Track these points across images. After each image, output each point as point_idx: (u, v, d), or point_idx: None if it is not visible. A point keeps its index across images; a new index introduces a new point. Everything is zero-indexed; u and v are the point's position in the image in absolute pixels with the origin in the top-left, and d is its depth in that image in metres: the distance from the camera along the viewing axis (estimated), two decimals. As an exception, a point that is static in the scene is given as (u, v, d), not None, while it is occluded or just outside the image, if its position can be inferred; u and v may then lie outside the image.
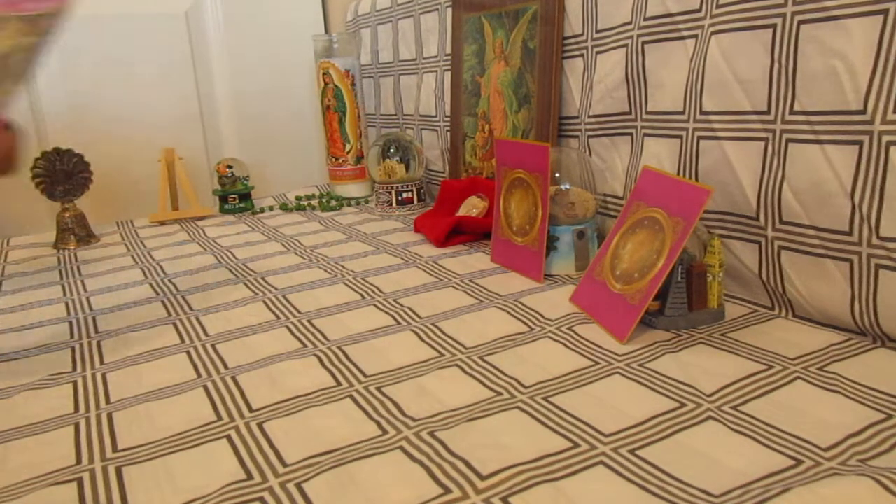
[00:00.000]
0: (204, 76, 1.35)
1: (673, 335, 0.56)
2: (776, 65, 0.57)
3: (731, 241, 0.63)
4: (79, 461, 0.41)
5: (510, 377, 0.49)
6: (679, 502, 0.34)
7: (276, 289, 0.73)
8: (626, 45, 0.74)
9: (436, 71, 1.16)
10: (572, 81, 0.86)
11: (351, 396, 0.48)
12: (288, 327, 0.62)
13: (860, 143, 0.51)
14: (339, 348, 0.56)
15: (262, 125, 1.41)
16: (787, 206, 0.57)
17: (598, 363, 0.51)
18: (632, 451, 0.39)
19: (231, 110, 1.38)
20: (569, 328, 0.58)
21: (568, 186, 0.75)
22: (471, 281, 0.73)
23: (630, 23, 0.74)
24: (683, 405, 0.44)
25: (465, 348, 0.55)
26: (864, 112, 0.51)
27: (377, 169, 1.12)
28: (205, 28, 1.34)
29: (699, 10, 0.65)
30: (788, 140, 0.57)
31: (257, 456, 0.41)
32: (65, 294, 0.78)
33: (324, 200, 1.23)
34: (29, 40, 0.48)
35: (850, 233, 0.52)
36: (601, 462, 0.38)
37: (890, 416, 0.41)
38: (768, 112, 0.58)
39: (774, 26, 0.57)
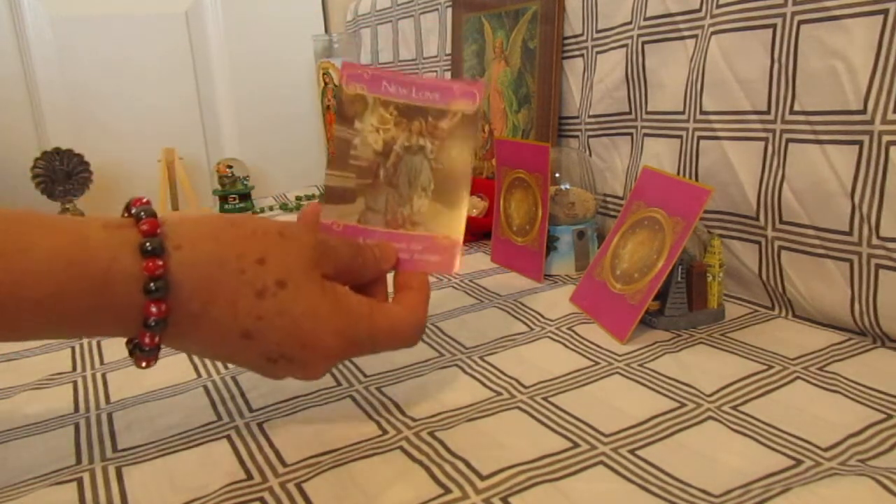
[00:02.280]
0: (204, 76, 1.35)
1: (673, 335, 0.56)
2: (776, 65, 0.57)
3: (731, 241, 0.63)
4: (79, 461, 0.41)
5: (510, 377, 0.49)
6: (679, 502, 0.34)
7: (276, 289, 0.73)
8: (626, 45, 0.74)
9: (436, 71, 1.16)
10: (572, 81, 0.86)
11: (351, 396, 0.48)
12: (288, 327, 0.62)
13: (860, 143, 0.51)
14: (339, 348, 0.56)
15: (262, 125, 1.41)
16: (787, 206, 0.57)
17: (598, 363, 0.51)
18: (632, 451, 0.39)
19: (231, 110, 1.38)
20: (569, 328, 0.58)
21: (568, 186, 0.75)
22: (471, 281, 0.73)
23: (630, 23, 0.74)
24: (683, 405, 0.44)
25: (465, 348, 0.55)
26: (864, 112, 0.51)
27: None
28: (205, 28, 1.34)
29: (699, 10, 0.65)
30: (788, 140, 0.57)
31: (257, 456, 0.41)
32: (65, 294, 0.78)
33: (324, 200, 1.23)
34: (420, 141, 0.46)
35: (850, 233, 0.52)
36: (601, 462, 0.38)
37: (890, 416, 0.42)
38: (768, 112, 0.58)
39: (774, 26, 0.57)
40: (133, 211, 0.35)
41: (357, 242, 0.43)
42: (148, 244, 0.33)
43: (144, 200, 0.36)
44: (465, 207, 0.46)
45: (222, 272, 0.35)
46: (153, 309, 0.33)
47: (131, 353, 0.37)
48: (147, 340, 0.35)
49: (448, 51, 1.10)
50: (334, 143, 0.46)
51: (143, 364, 0.36)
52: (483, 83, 0.52)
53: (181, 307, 0.34)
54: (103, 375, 0.53)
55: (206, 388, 0.50)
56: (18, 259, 0.32)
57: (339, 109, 0.46)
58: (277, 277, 0.36)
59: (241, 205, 1.23)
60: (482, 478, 0.37)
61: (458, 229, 0.46)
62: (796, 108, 0.56)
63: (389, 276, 0.45)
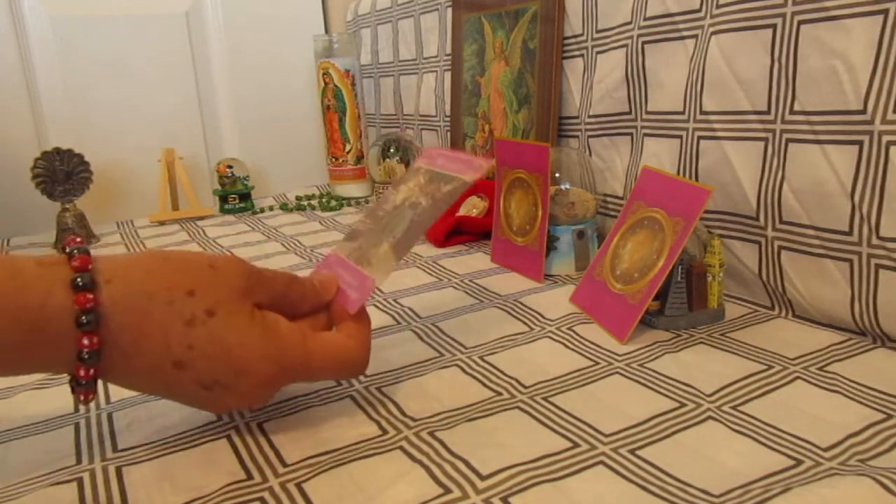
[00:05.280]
0: (204, 76, 1.35)
1: (673, 335, 0.56)
2: (776, 65, 0.57)
3: (731, 241, 0.63)
4: (79, 461, 0.41)
5: (510, 377, 0.49)
6: (679, 502, 0.34)
7: (276, 289, 0.73)
8: (626, 45, 0.74)
9: (436, 71, 1.16)
10: (572, 81, 0.86)
11: (351, 396, 0.48)
12: (288, 327, 0.62)
13: (860, 143, 0.51)
14: (339, 348, 0.56)
15: (262, 125, 1.41)
16: (787, 206, 0.57)
17: (598, 363, 0.51)
18: (632, 451, 0.39)
19: (231, 110, 1.38)
20: (569, 328, 0.58)
21: (568, 186, 0.75)
22: (471, 281, 0.73)
23: (630, 23, 0.74)
24: (683, 405, 0.44)
25: (465, 348, 0.55)
26: (864, 112, 0.51)
27: (377, 169, 1.12)
28: (205, 28, 1.34)
29: (699, 10, 0.65)
30: (788, 140, 0.57)
31: (257, 456, 0.41)
32: (65, 294, 0.78)
33: (324, 200, 1.24)
34: (421, 199, 0.49)
35: (850, 233, 0.52)
36: (601, 462, 0.38)
37: (890, 416, 0.42)
38: (768, 112, 0.58)
39: (774, 26, 0.57)
40: (67, 249, 0.36)
41: (293, 275, 0.45)
42: (79, 279, 0.35)
43: (78, 240, 0.37)
44: (400, 259, 0.48)
45: (151, 304, 0.36)
46: (85, 341, 0.35)
47: (73, 390, 0.38)
48: (82, 373, 0.36)
49: (448, 51, 1.10)
50: (377, 197, 0.51)
51: (82, 398, 0.37)
52: (491, 160, 0.54)
53: (113, 339, 0.36)
54: (103, 375, 0.53)
55: (206, 388, 0.50)
56: None
57: (402, 175, 0.50)
58: (206, 306, 0.37)
59: (241, 205, 1.23)
60: (482, 478, 0.37)
61: (384, 275, 0.47)
62: (796, 108, 0.56)
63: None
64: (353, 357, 0.43)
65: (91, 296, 0.35)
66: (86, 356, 0.35)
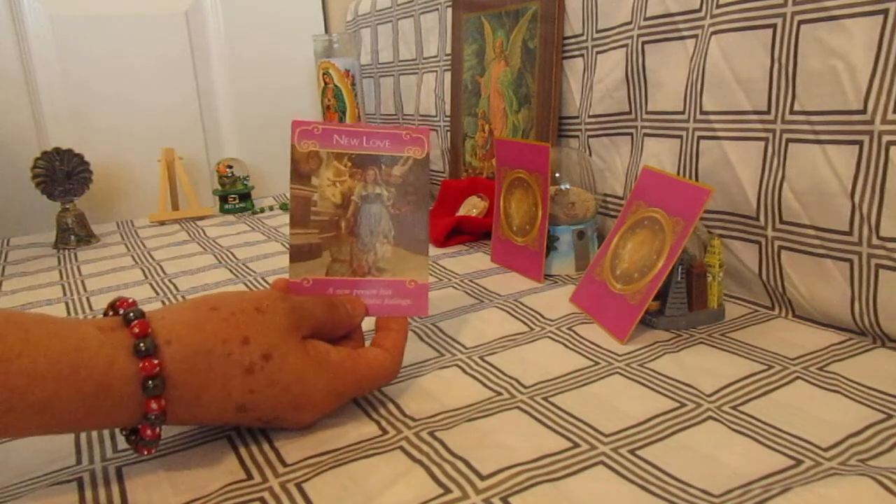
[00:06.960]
0: (204, 76, 1.35)
1: (673, 335, 0.56)
2: (776, 65, 0.57)
3: (731, 241, 0.63)
4: (79, 461, 0.41)
5: (510, 377, 0.49)
6: (679, 502, 0.34)
7: (276, 289, 0.73)
8: (626, 45, 0.74)
9: (436, 71, 1.16)
10: (572, 81, 0.86)
11: (351, 396, 0.48)
12: (288, 327, 0.61)
13: (860, 143, 0.51)
14: (339, 348, 0.56)
15: (262, 125, 1.41)
16: (787, 206, 0.57)
17: (598, 363, 0.51)
18: (632, 451, 0.39)
19: (231, 110, 1.38)
20: (569, 328, 0.58)
21: (568, 186, 0.75)
22: (471, 281, 0.73)
23: (630, 23, 0.74)
24: (683, 405, 0.44)
25: (465, 348, 0.55)
26: (864, 112, 0.51)
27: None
28: (205, 28, 1.34)
29: (699, 10, 0.65)
30: (788, 140, 0.57)
31: (257, 456, 0.41)
32: (65, 294, 0.78)
33: (324, 200, 1.23)
34: (377, 190, 0.48)
35: (850, 233, 0.52)
36: (601, 462, 0.38)
37: (890, 416, 0.42)
38: (768, 112, 0.58)
39: (774, 26, 0.57)
40: (122, 313, 0.37)
41: (330, 300, 0.46)
42: (142, 345, 0.36)
43: (130, 301, 0.38)
44: (428, 251, 0.48)
45: (210, 359, 0.38)
46: (153, 406, 0.36)
47: (128, 439, 0.39)
48: (149, 433, 0.37)
49: (448, 51, 1.10)
50: (292, 201, 0.48)
51: (146, 452, 0.38)
52: (429, 130, 0.53)
53: (177, 398, 0.37)
54: (103, 375, 0.53)
55: (206, 388, 0.50)
56: (20, 364, 0.33)
57: (293, 168, 0.49)
58: (263, 352, 0.39)
59: (241, 205, 1.23)
60: (482, 478, 0.37)
61: (424, 273, 0.48)
62: (796, 108, 0.56)
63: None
64: (391, 370, 0.46)
65: (156, 361, 0.36)
66: (153, 418, 0.36)
